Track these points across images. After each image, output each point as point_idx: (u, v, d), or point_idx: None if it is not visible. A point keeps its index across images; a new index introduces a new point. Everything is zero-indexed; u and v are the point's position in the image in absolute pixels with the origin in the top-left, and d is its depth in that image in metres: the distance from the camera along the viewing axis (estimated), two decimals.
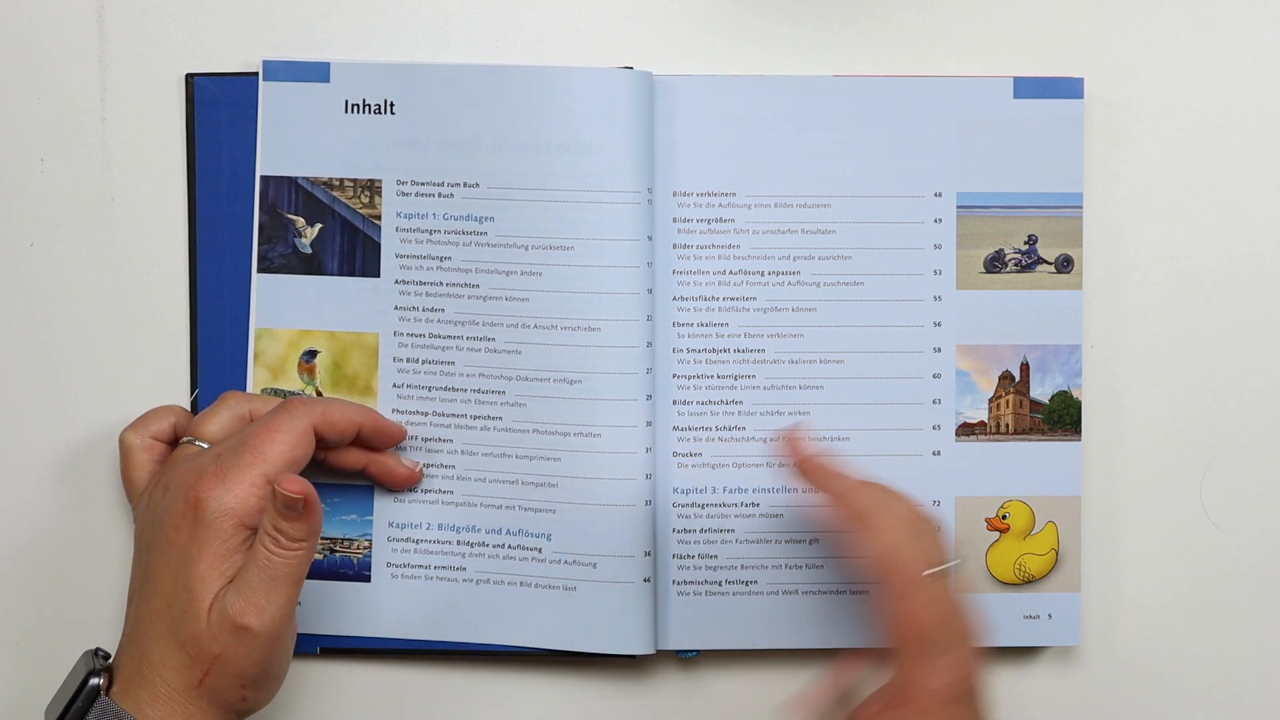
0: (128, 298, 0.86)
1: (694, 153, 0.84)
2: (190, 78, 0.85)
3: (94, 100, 0.85)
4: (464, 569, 0.84)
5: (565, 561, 0.83)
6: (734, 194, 0.84)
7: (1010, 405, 0.85)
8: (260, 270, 0.85)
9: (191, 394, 0.86)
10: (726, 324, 0.85)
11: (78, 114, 0.85)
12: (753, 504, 0.85)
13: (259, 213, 0.84)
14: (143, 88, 0.85)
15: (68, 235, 0.85)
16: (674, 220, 0.84)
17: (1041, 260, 0.85)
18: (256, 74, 0.84)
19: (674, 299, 0.84)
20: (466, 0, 0.86)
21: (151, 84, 0.85)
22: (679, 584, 0.85)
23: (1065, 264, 0.85)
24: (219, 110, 0.85)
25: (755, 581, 0.85)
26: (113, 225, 0.86)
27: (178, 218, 0.85)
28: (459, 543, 0.84)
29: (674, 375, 0.84)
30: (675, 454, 0.85)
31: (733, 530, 0.85)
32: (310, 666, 0.86)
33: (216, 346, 0.85)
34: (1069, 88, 0.85)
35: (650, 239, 0.83)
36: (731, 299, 0.85)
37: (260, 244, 0.85)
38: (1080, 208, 0.85)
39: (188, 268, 0.85)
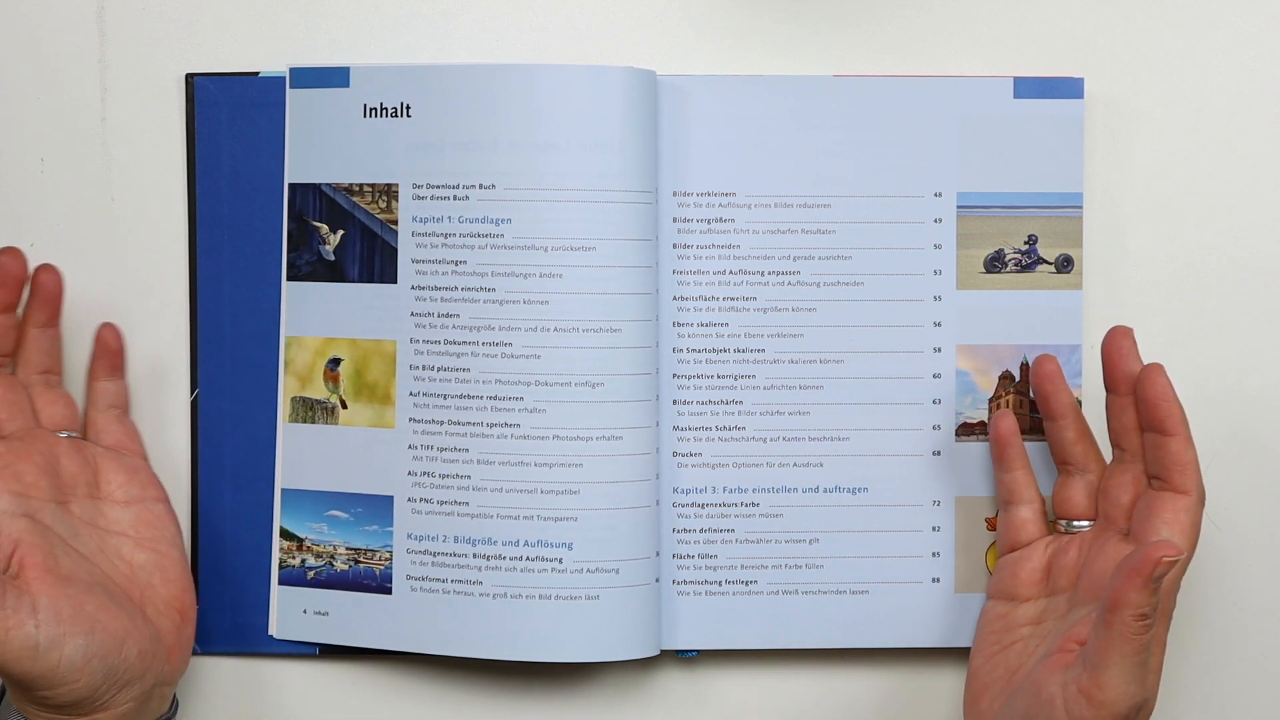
0: (128, 298, 0.85)
1: (694, 152, 0.84)
2: (190, 78, 0.85)
3: (94, 100, 0.85)
4: (480, 583, 0.83)
5: (588, 570, 0.82)
6: (734, 194, 0.84)
7: (1010, 405, 0.85)
8: (289, 278, 0.84)
9: (192, 394, 0.85)
10: (726, 324, 0.85)
11: (78, 114, 0.85)
12: (753, 504, 0.85)
13: (287, 220, 0.84)
14: (143, 88, 0.85)
15: (68, 235, 0.85)
16: (674, 220, 0.84)
17: (1041, 260, 0.85)
18: (257, 74, 0.84)
19: (674, 299, 0.84)
20: (466, 1, 0.86)
21: (151, 84, 0.85)
22: (679, 584, 0.85)
23: (1065, 264, 0.85)
24: (219, 110, 0.85)
25: (755, 581, 0.85)
26: (113, 225, 0.86)
27: (178, 218, 0.85)
28: (474, 555, 0.83)
29: (674, 375, 0.84)
30: (675, 454, 0.85)
31: (733, 530, 0.85)
32: (310, 667, 0.86)
33: (217, 347, 0.85)
34: (1069, 88, 0.85)
35: (655, 239, 0.83)
36: (731, 299, 0.84)
37: (289, 251, 0.84)
38: (1080, 208, 0.85)
39: (188, 268, 0.85)
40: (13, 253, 0.79)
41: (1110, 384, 0.80)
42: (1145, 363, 0.78)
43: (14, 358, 0.81)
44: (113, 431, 0.82)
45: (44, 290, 0.80)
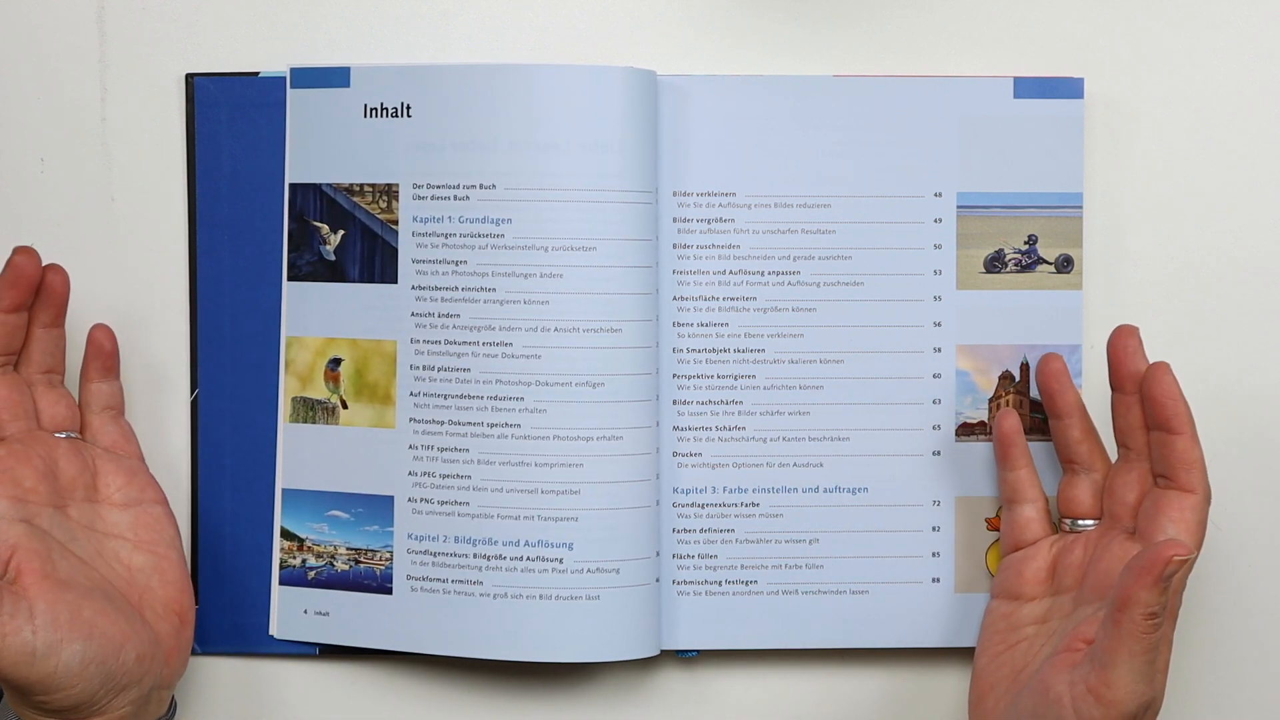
0: (128, 298, 0.85)
1: (694, 152, 0.84)
2: (190, 78, 0.85)
3: (94, 100, 0.85)
4: (480, 583, 0.83)
5: (589, 570, 0.82)
6: (734, 194, 0.84)
7: (1010, 405, 0.85)
8: (290, 278, 0.84)
9: (192, 394, 0.85)
10: (726, 324, 0.85)
11: (78, 114, 0.85)
12: (753, 504, 0.85)
13: (288, 220, 0.84)
14: (143, 88, 0.85)
15: (68, 235, 0.85)
16: (674, 220, 0.84)
17: (1041, 260, 0.85)
18: (257, 74, 0.84)
19: (674, 299, 0.84)
20: (465, 1, 0.86)
21: (151, 84, 0.85)
22: (679, 584, 0.85)
23: (1065, 264, 0.85)
24: (219, 110, 0.85)
25: (755, 581, 0.85)
26: (113, 225, 0.86)
27: (178, 218, 0.85)
28: (475, 555, 0.83)
29: (674, 375, 0.84)
30: (675, 454, 0.85)
31: (733, 530, 0.85)
32: (310, 667, 0.86)
33: (217, 347, 0.85)
34: (1069, 88, 0.85)
35: (655, 239, 0.83)
36: (731, 299, 0.85)
37: (289, 251, 0.84)
38: (1080, 208, 0.85)
39: (188, 268, 0.85)
40: (27, 252, 0.78)
41: (1116, 383, 0.80)
42: (1150, 361, 0.79)
43: (18, 356, 0.81)
44: (109, 433, 0.82)
45: (51, 290, 0.80)
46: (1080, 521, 0.81)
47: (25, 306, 0.79)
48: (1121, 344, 0.79)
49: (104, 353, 0.82)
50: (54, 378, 0.81)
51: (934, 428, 0.85)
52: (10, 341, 0.79)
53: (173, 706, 0.81)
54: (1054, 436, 0.82)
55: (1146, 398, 0.78)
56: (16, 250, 0.78)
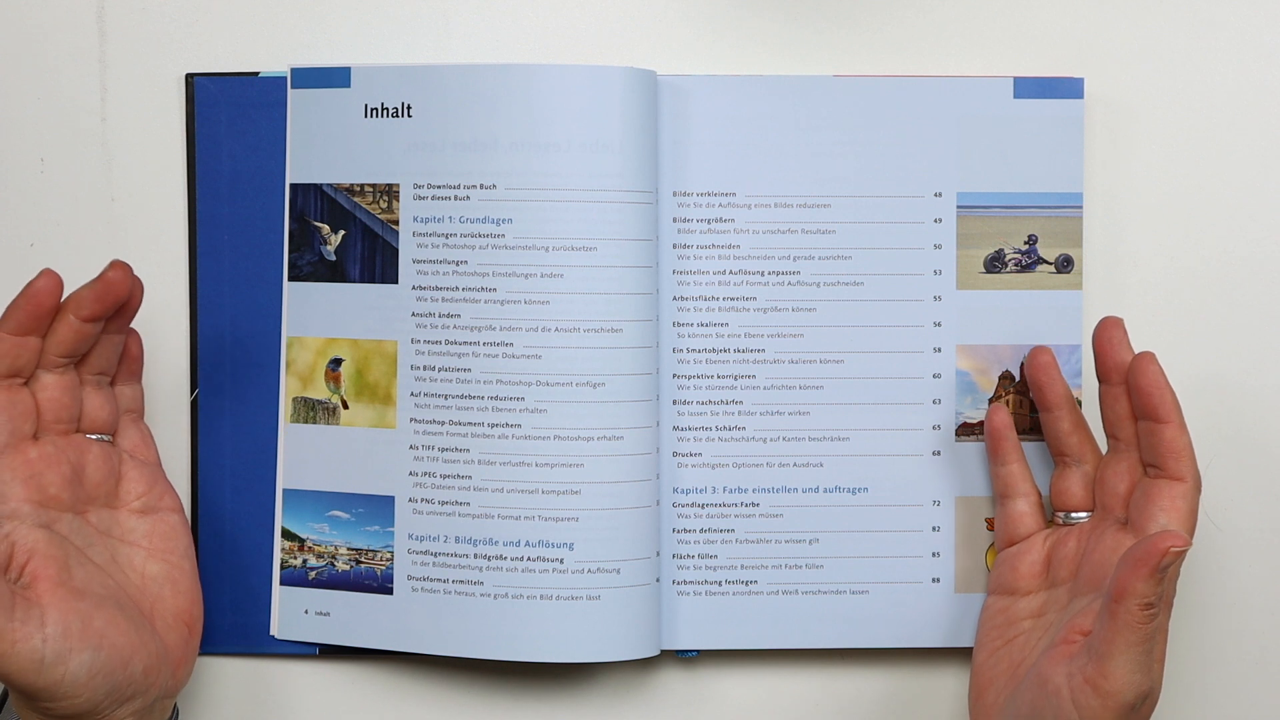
0: None
1: (694, 153, 0.84)
2: (190, 78, 0.85)
3: (94, 100, 0.85)
4: (481, 583, 0.83)
5: (589, 570, 0.82)
6: (734, 194, 0.84)
7: (1010, 405, 0.85)
8: (290, 279, 0.84)
9: (192, 394, 0.85)
10: (726, 324, 0.85)
11: (78, 114, 0.85)
12: (753, 504, 0.85)
13: (289, 221, 0.84)
14: (143, 88, 0.85)
15: (68, 235, 0.85)
16: (674, 220, 0.84)
17: (1041, 260, 0.85)
18: (257, 74, 0.84)
19: (674, 299, 0.84)
20: (465, 1, 0.86)
21: (151, 84, 0.85)
22: (679, 584, 0.85)
23: (1065, 264, 0.85)
24: (219, 110, 0.85)
25: (755, 581, 0.85)
26: (113, 225, 0.86)
27: (178, 218, 0.85)
28: (475, 556, 0.83)
29: (674, 375, 0.84)
30: (675, 454, 0.85)
31: (733, 530, 0.85)
32: (311, 667, 0.86)
33: (217, 347, 0.85)
34: (1069, 88, 0.85)
35: (655, 239, 0.83)
36: (731, 299, 0.85)
37: (290, 252, 0.84)
38: (1080, 208, 0.85)
39: (188, 268, 0.85)
40: (123, 269, 0.77)
41: (1102, 374, 0.80)
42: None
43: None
44: (129, 436, 0.82)
45: (130, 302, 0.78)
46: (1073, 514, 0.82)
47: (105, 318, 0.78)
48: (1106, 335, 0.79)
49: (132, 355, 0.81)
50: (104, 379, 0.80)
51: (934, 428, 0.85)
52: (79, 346, 0.77)
53: (175, 713, 0.81)
54: (1045, 429, 0.82)
55: (1133, 387, 0.78)
56: (113, 265, 0.76)
